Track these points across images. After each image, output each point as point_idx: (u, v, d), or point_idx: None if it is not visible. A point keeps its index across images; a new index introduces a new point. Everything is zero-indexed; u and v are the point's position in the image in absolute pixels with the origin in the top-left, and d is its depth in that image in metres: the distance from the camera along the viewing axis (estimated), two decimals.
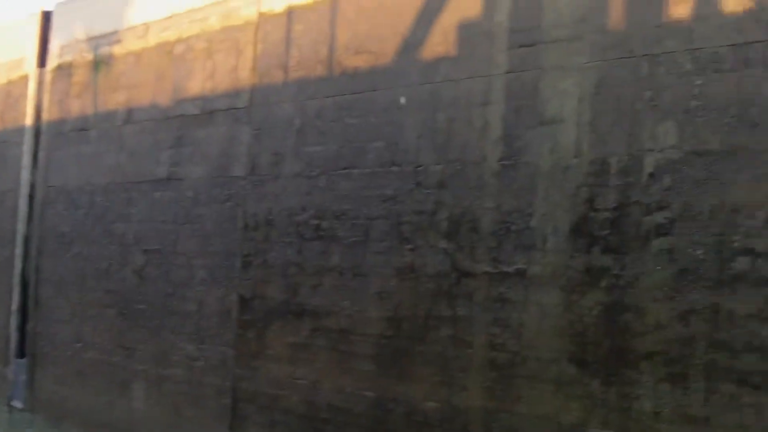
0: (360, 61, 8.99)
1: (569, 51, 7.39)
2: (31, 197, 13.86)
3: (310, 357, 9.27)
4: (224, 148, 10.45)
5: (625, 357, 6.90)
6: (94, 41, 12.73)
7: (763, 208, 6.31)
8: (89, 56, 12.78)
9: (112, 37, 12.38)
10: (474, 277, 7.91)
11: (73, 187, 12.90)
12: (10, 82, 14.72)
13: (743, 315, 6.36)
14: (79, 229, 12.72)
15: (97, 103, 12.54)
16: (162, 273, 11.17)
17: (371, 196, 8.77)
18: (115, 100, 12.20)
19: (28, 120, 14.02)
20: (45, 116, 13.72)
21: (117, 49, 12.27)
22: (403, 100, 8.55)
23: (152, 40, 11.65)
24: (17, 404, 13.81)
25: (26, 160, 13.99)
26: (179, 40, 11.22)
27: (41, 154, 13.75)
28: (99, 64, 12.57)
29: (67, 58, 13.27)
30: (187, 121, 10.98)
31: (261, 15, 10.10)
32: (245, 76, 10.23)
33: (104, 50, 12.51)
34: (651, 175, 6.86)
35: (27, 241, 13.90)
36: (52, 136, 13.53)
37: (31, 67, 14.12)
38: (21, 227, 14.01)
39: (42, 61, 13.90)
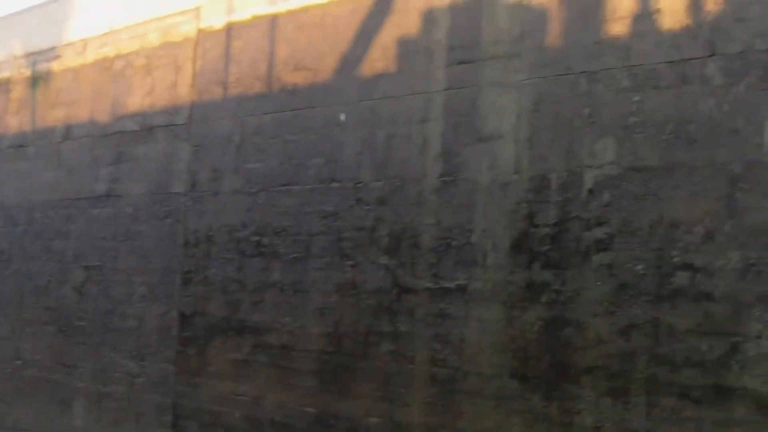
0: (299, 78, 8.84)
1: (508, 68, 7.29)
2: None
3: (251, 373, 9.09)
4: (164, 165, 10.24)
5: (566, 372, 6.80)
6: (32, 57, 12.45)
7: (701, 224, 6.25)
8: (27, 72, 12.50)
9: (51, 53, 12.11)
10: (415, 293, 7.78)
11: (12, 204, 12.60)
12: None
13: (683, 330, 6.29)
14: (18, 246, 12.42)
15: (35, 120, 12.26)
16: (102, 290, 10.92)
17: (312, 213, 8.62)
18: (54, 117, 11.93)
19: None
20: None
21: (55, 65, 12.01)
22: (342, 116, 8.41)
23: (91, 56, 11.41)
24: None
25: None
26: (118, 56, 10.99)
27: None
28: (37, 80, 12.30)
29: (5, 74, 12.97)
30: (127, 137, 10.75)
31: (200, 31, 9.91)
32: (184, 93, 10.03)
33: (42, 66, 12.24)
34: (590, 191, 6.78)
35: None
36: None
37: None
38: None
39: None
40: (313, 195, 8.62)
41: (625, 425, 6.46)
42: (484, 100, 7.43)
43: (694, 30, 6.32)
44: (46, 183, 11.99)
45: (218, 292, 9.48)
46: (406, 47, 7.98)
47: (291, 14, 8.96)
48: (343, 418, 8.23)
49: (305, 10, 8.84)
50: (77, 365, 11.24)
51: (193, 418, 9.63)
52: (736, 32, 6.15)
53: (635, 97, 6.58)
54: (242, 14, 9.45)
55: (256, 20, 9.29)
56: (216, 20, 9.74)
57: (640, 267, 6.51)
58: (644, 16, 6.57)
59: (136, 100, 10.66)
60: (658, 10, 6.51)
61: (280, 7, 9.08)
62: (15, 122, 12.69)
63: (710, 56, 6.25)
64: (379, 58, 8.18)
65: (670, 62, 6.42)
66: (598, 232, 6.72)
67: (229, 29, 9.57)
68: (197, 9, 9.92)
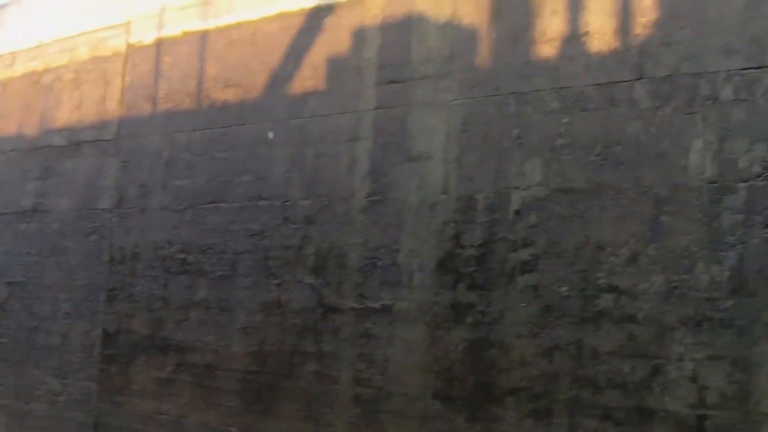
0: (229, 95, 8.67)
1: (437, 88, 7.19)
2: None
3: (175, 392, 8.86)
4: (91, 180, 10.00)
5: (490, 393, 6.68)
6: None
7: (627, 246, 6.18)
8: None
9: None
10: (340, 313, 7.63)
11: None
12: None
13: (606, 351, 6.21)
14: None
15: None
16: (26, 306, 10.62)
17: (238, 231, 8.44)
18: None
19: None
20: None
21: None
22: (271, 134, 8.25)
23: (19, 69, 11.14)
24: None
25: None
26: (47, 70, 10.74)
27: None
28: None
29: None
30: (54, 152, 10.49)
31: (130, 46, 9.71)
32: (113, 108, 9.81)
33: None
34: (517, 212, 6.69)
35: None
36: None
37: None
38: None
39: None
40: (241, 213, 8.44)
41: None
42: (414, 120, 7.32)
43: (623, 53, 6.27)
44: None
45: (143, 309, 9.25)
46: (336, 66, 7.85)
47: (221, 31, 8.81)
48: None
49: (236, 26, 8.69)
50: None
51: None
52: (664, 56, 6.11)
53: (563, 119, 6.51)
54: (173, 30, 9.27)
55: (187, 36, 9.12)
56: (146, 35, 9.54)
57: (564, 289, 6.42)
58: (573, 39, 6.51)
59: (65, 115, 10.42)
60: (587, 33, 6.45)
61: (211, 24, 8.92)
62: None
63: (638, 79, 6.20)
64: (310, 76, 8.04)
65: (599, 85, 6.35)
66: (524, 254, 6.63)
67: (159, 44, 9.38)
68: (127, 24, 9.72)
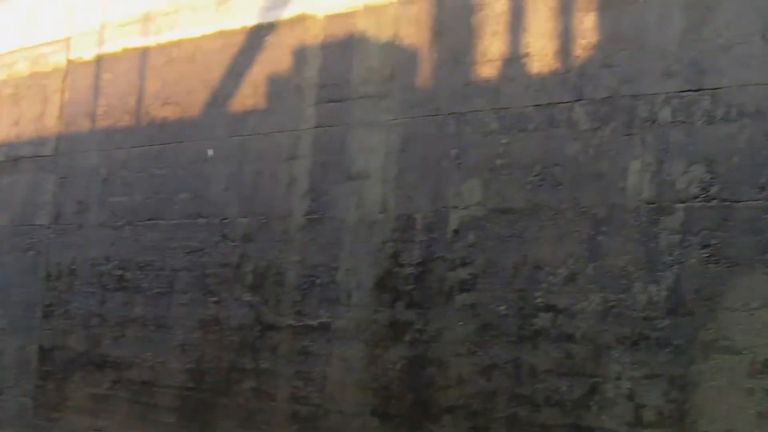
0: (168, 112, 8.42)
1: (377, 107, 7.02)
2: None
3: (111, 409, 8.58)
4: (28, 196, 9.68)
5: (428, 411, 6.50)
6: None
7: (564, 266, 6.04)
8: None
9: None
10: (278, 330, 7.41)
11: None
12: None
13: (544, 370, 6.06)
14: None
15: None
16: None
17: (176, 248, 8.18)
18: None
19: None
20: None
21: None
22: (210, 152, 8.02)
23: None
24: None
25: None
26: None
27: None
28: None
29: None
30: None
31: (70, 62, 9.42)
32: (52, 124, 9.51)
33: None
34: (455, 231, 6.52)
35: None
36: None
37: None
38: None
39: None
40: (179, 230, 8.19)
41: None
42: (353, 139, 7.13)
43: (563, 75, 6.13)
44: None
45: (79, 326, 8.95)
46: (276, 84, 7.64)
47: (162, 48, 8.56)
48: None
49: (176, 44, 8.45)
50: None
51: None
52: (603, 78, 5.98)
53: (503, 140, 6.36)
54: (113, 46, 9.01)
55: (127, 53, 8.86)
56: (86, 51, 9.26)
57: (502, 308, 6.26)
58: (513, 60, 6.37)
59: (3, 130, 10.09)
60: (527, 54, 6.31)
61: (151, 41, 8.66)
62: None
63: (577, 101, 6.07)
64: (250, 94, 7.82)
65: (538, 106, 6.21)
66: (462, 273, 6.46)
67: (99, 61, 9.10)
68: (67, 39, 9.43)
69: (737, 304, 5.43)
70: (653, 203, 5.75)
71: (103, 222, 8.85)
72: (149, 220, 8.45)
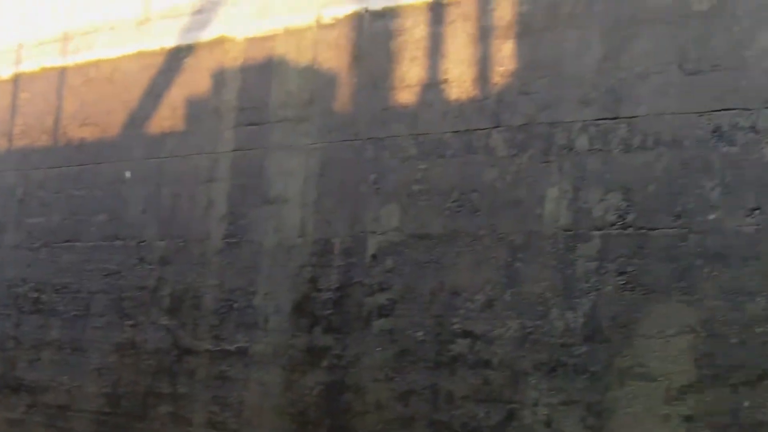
0: (86, 133, 8.07)
1: (296, 131, 6.76)
2: None
3: None
4: None
5: None
6: None
7: (482, 292, 5.84)
8: None
9: None
10: (195, 355, 7.09)
11: None
12: None
13: (461, 396, 5.86)
14: None
15: None
16: None
17: (93, 270, 7.82)
18: None
19: None
20: None
21: None
22: (128, 173, 7.68)
23: None
24: None
25: None
26: None
27: None
28: None
29: None
30: None
31: None
32: None
33: None
34: (373, 256, 6.29)
35: None
36: None
37: None
38: None
39: None
40: (96, 252, 7.83)
41: None
42: (272, 163, 6.86)
43: (480, 101, 5.94)
44: None
45: None
46: (195, 106, 7.35)
47: (80, 68, 8.21)
48: None
49: (95, 64, 8.10)
50: None
51: None
52: (521, 105, 5.80)
53: (421, 165, 6.14)
54: (31, 65, 8.62)
55: (45, 72, 8.48)
56: (3, 70, 8.86)
57: (420, 333, 6.04)
58: (432, 86, 6.16)
59: None
60: (446, 81, 6.11)
61: (70, 61, 8.30)
62: None
63: (495, 127, 5.88)
64: (168, 116, 7.51)
65: (456, 132, 6.01)
66: (380, 298, 6.22)
67: (17, 80, 8.71)
68: None
69: (653, 331, 5.28)
70: (570, 230, 5.58)
71: (19, 243, 8.45)
72: (66, 241, 8.08)
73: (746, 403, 4.97)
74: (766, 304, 4.97)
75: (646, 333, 5.29)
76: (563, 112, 5.65)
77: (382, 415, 6.12)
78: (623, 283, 5.38)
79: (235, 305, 6.90)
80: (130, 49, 7.89)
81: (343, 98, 6.57)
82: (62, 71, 8.36)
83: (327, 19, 6.75)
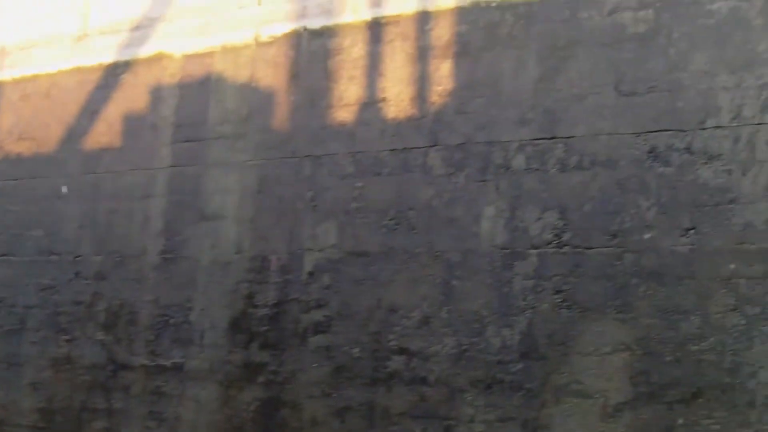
0: (23, 147, 7.67)
1: (233, 148, 6.45)
2: None
3: None
4: None
5: None
6: None
7: (419, 309, 5.60)
8: None
9: None
10: (131, 370, 6.73)
11: None
12: None
13: (398, 413, 5.61)
14: None
15: None
16: None
17: (29, 285, 7.41)
18: None
19: None
20: None
21: None
22: (65, 189, 7.30)
23: None
24: None
25: None
26: None
27: None
28: None
29: None
30: None
31: None
32: None
33: None
34: (310, 273, 6.00)
35: None
36: None
37: None
38: None
39: None
40: (32, 267, 7.43)
41: None
42: (209, 179, 6.55)
43: (418, 120, 5.70)
44: None
45: None
46: (132, 122, 7.00)
47: (17, 83, 7.80)
48: None
49: (32, 79, 7.70)
50: None
51: None
52: (458, 124, 5.57)
53: (358, 183, 5.88)
54: None
55: None
56: None
57: (357, 350, 5.78)
58: (370, 105, 5.91)
59: None
60: (383, 99, 5.86)
61: (7, 75, 7.89)
62: None
63: (433, 146, 5.64)
64: (105, 132, 7.15)
65: (394, 150, 5.76)
66: (317, 315, 5.94)
67: None
68: None
69: (589, 348, 5.09)
70: (507, 249, 5.36)
71: None
72: (1, 255, 7.67)
73: (680, 421, 4.80)
74: (701, 323, 4.80)
75: (582, 351, 5.09)
76: (500, 132, 5.43)
77: (319, 431, 5.84)
78: (560, 301, 5.18)
79: (172, 321, 6.57)
80: (68, 64, 7.52)
81: (281, 116, 6.28)
82: None
83: (265, 37, 6.47)
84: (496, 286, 5.37)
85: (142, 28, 7.11)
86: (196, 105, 6.69)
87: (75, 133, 7.36)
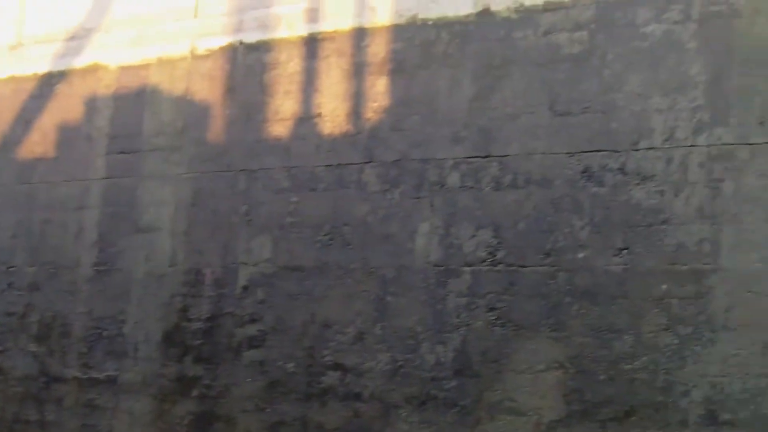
0: None
1: (168, 160, 6.10)
2: None
3: None
4: None
5: None
6: None
7: (353, 325, 5.32)
8: None
9: None
10: (64, 382, 6.35)
11: None
12: None
13: (332, 428, 5.33)
14: None
15: None
16: None
17: None
18: None
19: None
20: None
21: None
22: None
23: None
24: None
25: None
26: None
27: None
28: None
29: None
30: None
31: None
32: None
33: None
34: (245, 287, 5.69)
35: None
36: None
37: None
38: None
39: None
40: None
41: None
42: (144, 191, 6.18)
43: (353, 136, 5.41)
44: None
45: None
46: (66, 133, 6.60)
47: None
48: None
49: None
50: None
51: None
52: (394, 141, 5.29)
53: (293, 198, 5.58)
54: None
55: None
56: None
57: (291, 365, 5.48)
58: (306, 120, 5.60)
59: None
60: (319, 115, 5.56)
61: None
62: None
63: (368, 162, 5.35)
64: (39, 141, 6.74)
65: (329, 166, 5.46)
66: (251, 329, 5.62)
67: None
68: None
69: (522, 366, 4.85)
70: (441, 266, 5.10)
71: None
72: None
73: None
74: (634, 342, 4.58)
75: (516, 368, 4.85)
76: (435, 149, 5.17)
77: None
78: (494, 319, 4.93)
79: (105, 333, 6.19)
80: (2, 73, 7.09)
81: (216, 129, 5.94)
82: None
83: (201, 50, 6.13)
84: (430, 302, 5.10)
85: (78, 38, 6.72)
86: (132, 117, 6.32)
87: (9, 142, 6.93)
